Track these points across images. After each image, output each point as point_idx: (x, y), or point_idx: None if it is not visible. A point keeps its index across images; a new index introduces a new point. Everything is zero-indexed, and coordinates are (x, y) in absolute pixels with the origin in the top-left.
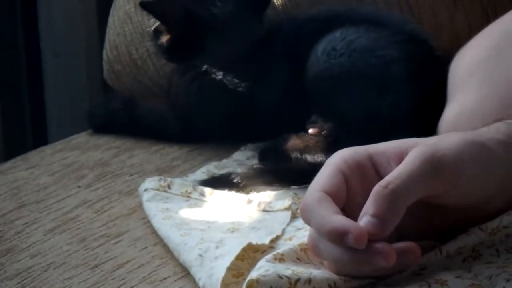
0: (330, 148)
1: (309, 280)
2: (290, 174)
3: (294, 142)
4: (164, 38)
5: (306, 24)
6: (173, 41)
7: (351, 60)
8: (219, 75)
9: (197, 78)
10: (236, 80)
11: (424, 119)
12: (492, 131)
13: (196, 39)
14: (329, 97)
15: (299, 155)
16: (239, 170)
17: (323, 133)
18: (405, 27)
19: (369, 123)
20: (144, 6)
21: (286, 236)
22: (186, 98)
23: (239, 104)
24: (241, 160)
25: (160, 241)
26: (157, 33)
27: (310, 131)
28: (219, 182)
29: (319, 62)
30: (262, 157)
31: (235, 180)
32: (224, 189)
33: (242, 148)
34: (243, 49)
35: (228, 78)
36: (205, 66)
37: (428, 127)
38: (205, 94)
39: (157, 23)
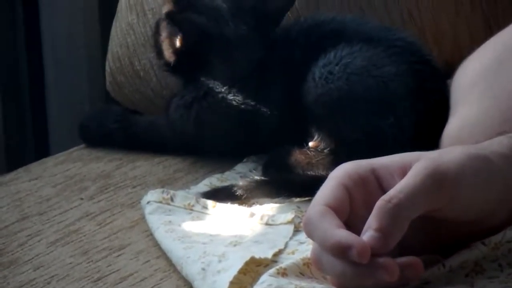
0: (332, 164)
1: None
2: (293, 186)
3: (297, 157)
4: (174, 48)
5: (299, 39)
6: (181, 54)
7: (348, 83)
8: (220, 94)
9: (195, 101)
10: (237, 99)
11: (427, 132)
12: (495, 145)
13: (203, 55)
14: (329, 120)
15: (302, 170)
16: (241, 182)
17: (325, 150)
18: (397, 37)
19: (372, 143)
20: (169, 16)
21: (288, 250)
22: (184, 122)
23: (239, 124)
24: (243, 172)
25: (163, 254)
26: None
27: (311, 144)
28: (222, 194)
29: (317, 86)
30: (266, 169)
31: (238, 192)
32: (227, 202)
33: (245, 160)
34: (247, 70)
35: (230, 97)
36: (204, 88)
37: (432, 140)
38: (204, 119)
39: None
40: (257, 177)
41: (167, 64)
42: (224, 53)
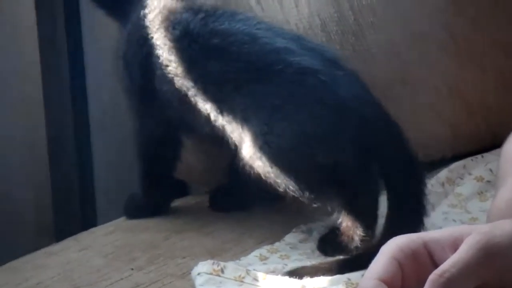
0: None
1: None
2: (348, 264)
3: (348, 233)
4: None
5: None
6: None
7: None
8: None
9: None
10: None
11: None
12: None
13: None
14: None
15: (356, 246)
16: (307, 263)
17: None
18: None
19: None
20: None
21: None
22: None
23: None
24: (293, 243)
25: None
26: None
27: None
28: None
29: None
30: (322, 248)
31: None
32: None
33: (294, 230)
34: None
35: None
36: None
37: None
38: None
39: None
40: (320, 262)
41: None
42: None
